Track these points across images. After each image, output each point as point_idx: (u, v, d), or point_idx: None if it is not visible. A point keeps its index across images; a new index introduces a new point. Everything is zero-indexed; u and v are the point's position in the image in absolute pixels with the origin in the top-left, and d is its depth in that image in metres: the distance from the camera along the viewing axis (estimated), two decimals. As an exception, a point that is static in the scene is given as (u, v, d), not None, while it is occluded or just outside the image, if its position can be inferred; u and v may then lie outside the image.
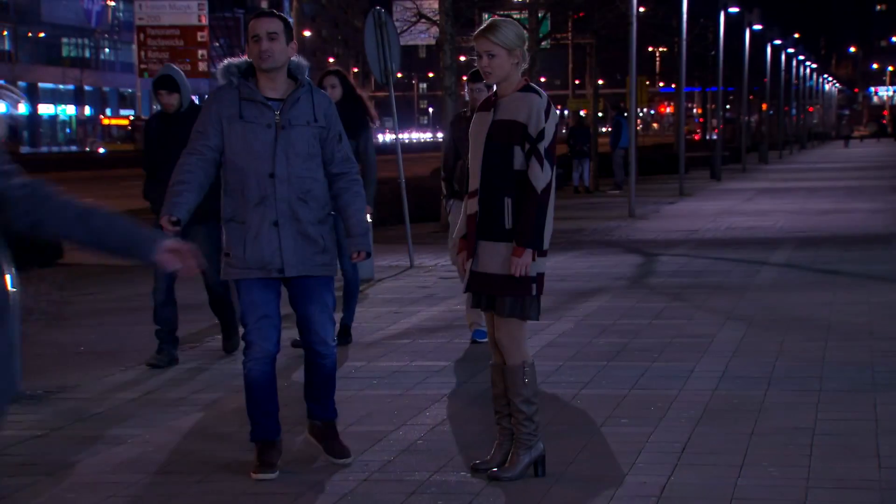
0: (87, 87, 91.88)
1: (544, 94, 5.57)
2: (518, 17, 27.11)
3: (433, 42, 21.13)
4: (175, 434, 6.61)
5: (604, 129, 47.07)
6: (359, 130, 8.77)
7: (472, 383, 7.70)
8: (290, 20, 5.88)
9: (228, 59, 5.91)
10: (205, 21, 22.10)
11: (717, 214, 22.02)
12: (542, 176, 5.42)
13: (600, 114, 38.41)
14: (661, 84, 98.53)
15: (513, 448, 5.62)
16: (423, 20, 20.98)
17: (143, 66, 22.43)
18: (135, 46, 21.19)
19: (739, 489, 5.40)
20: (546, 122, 5.45)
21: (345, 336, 9.05)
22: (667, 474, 5.63)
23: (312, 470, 5.85)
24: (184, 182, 5.69)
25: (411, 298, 11.66)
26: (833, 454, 5.91)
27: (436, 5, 20.69)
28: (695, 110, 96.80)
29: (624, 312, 10.43)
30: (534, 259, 5.45)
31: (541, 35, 26.10)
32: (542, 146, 5.43)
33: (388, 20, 14.58)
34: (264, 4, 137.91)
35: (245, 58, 5.81)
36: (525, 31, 5.89)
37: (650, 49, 57.53)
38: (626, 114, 30.24)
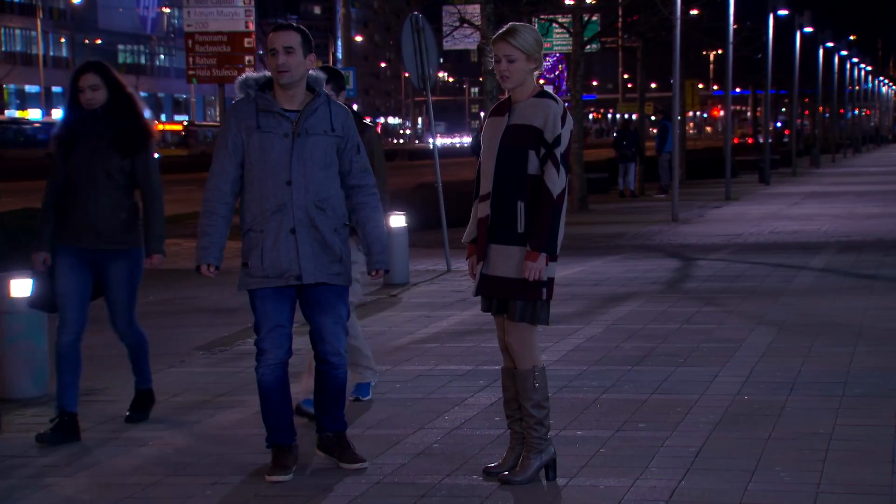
0: (142, 94, 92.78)
1: (560, 100, 5.61)
2: (562, 20, 27.09)
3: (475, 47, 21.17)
4: (195, 436, 6.70)
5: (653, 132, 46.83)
6: (136, 145, 6.76)
7: (495, 387, 7.72)
8: (308, 33, 5.94)
9: (246, 72, 5.99)
10: (252, 27, 22.06)
11: (762, 219, 21.88)
12: (558, 181, 5.46)
13: (653, 117, 38.21)
14: (716, 87, 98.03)
15: (523, 452, 5.64)
16: (464, 25, 21.01)
17: (191, 73, 22.38)
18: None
19: (749, 494, 5.39)
20: (562, 127, 5.49)
21: (145, 405, 7.15)
22: (678, 479, 5.64)
23: (326, 473, 5.90)
24: (211, 228, 5.79)
25: (444, 303, 11.71)
26: (847, 459, 5.88)
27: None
28: (748, 114, 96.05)
29: (654, 317, 10.41)
30: (546, 263, 5.47)
31: (585, 38, 25.99)
32: (559, 151, 5.47)
33: (425, 25, 14.64)
34: (317, 10, 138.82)
35: (265, 72, 5.89)
36: (542, 37, 5.93)
37: (704, 52, 57.21)
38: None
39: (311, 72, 5.89)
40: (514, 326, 5.59)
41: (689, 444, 6.22)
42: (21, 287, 7.75)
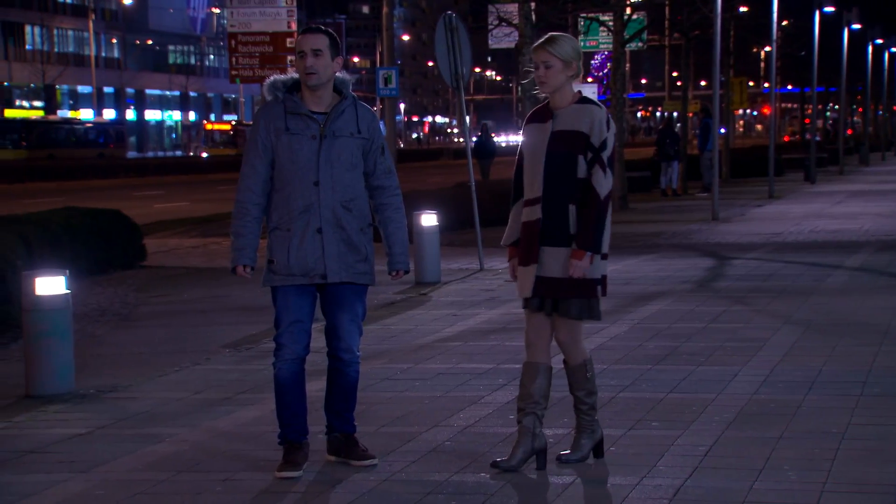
0: (191, 93, 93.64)
1: (603, 105, 5.83)
2: (604, 18, 27.02)
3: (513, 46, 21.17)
4: (212, 433, 6.78)
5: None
6: None
7: (513, 385, 7.74)
8: (336, 36, 6.00)
9: (275, 75, 6.07)
10: (294, 27, 22.24)
11: (804, 217, 21.72)
12: (605, 183, 5.69)
13: (688, 115, 37.99)
14: (766, 85, 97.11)
15: (576, 434, 5.95)
16: (503, 24, 21.02)
17: (234, 73, 22.58)
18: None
19: (753, 493, 5.39)
20: (608, 132, 5.71)
21: None
22: (684, 477, 5.65)
23: (336, 469, 5.96)
24: (245, 230, 5.88)
25: (473, 301, 11.74)
26: (856, 458, 5.87)
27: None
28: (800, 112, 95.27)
29: (681, 316, 10.39)
30: (592, 262, 5.67)
31: (626, 36, 25.90)
32: (605, 155, 5.70)
33: (458, 24, 14.67)
34: (365, 9, 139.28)
35: (294, 74, 5.97)
36: (579, 44, 6.07)
37: (755, 49, 56.79)
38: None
39: (338, 74, 5.96)
40: (569, 323, 5.80)
41: (700, 443, 6.22)
42: (48, 285, 7.88)
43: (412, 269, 13.10)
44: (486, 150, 34.13)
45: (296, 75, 5.92)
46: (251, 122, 11.38)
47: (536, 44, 5.83)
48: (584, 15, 26.86)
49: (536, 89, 6.42)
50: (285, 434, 6.00)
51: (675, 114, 34.72)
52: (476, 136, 40.93)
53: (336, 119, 5.87)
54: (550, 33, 5.92)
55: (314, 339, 6.07)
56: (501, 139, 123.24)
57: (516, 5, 20.15)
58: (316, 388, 6.58)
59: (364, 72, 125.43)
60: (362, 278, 5.94)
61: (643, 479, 5.64)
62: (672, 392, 7.45)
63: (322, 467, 6.00)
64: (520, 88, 19.45)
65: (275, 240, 5.90)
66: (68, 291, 7.98)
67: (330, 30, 5.97)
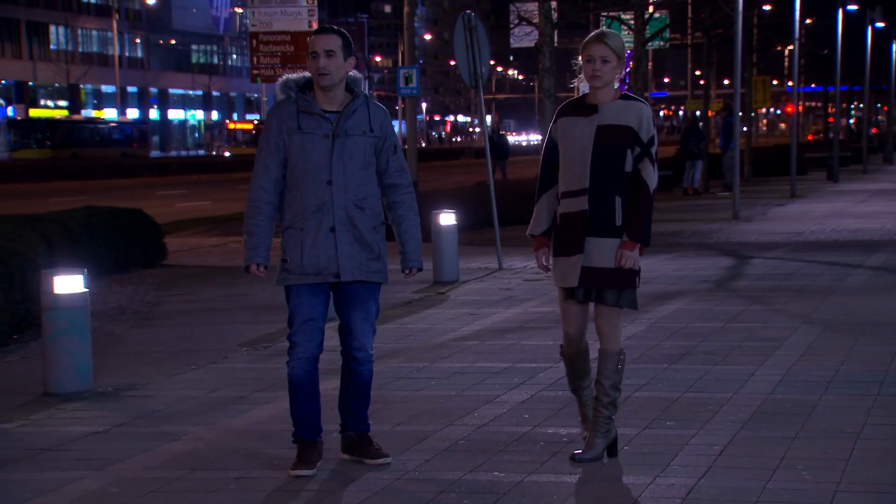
0: (214, 93, 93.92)
1: (647, 103, 6.00)
2: (625, 17, 26.97)
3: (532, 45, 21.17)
4: (227, 431, 6.80)
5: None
6: None
7: (529, 384, 7.76)
8: (349, 36, 6.02)
9: (278, 73, 6.09)
10: (315, 27, 22.33)
11: (825, 216, 21.63)
12: (654, 176, 5.88)
13: (709, 114, 37.86)
14: (790, 83, 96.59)
15: (591, 433, 5.96)
16: (523, 23, 21.02)
17: (255, 72, 22.66)
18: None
19: (766, 492, 5.38)
20: (653, 128, 5.91)
21: None
22: (698, 477, 5.64)
23: (349, 468, 5.98)
24: (258, 229, 5.90)
25: (491, 300, 11.74)
26: (871, 458, 5.85)
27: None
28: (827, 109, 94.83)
29: (699, 315, 10.37)
30: (641, 253, 5.84)
31: (647, 35, 25.85)
32: (654, 150, 5.87)
33: (477, 24, 14.67)
34: (387, 8, 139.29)
35: (306, 73, 5.98)
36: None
37: (779, 48, 56.57)
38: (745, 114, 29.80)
39: (350, 73, 5.97)
40: (612, 311, 5.95)
41: (714, 443, 6.21)
42: (66, 284, 7.92)
43: (430, 268, 13.18)
44: (498, 150, 34.04)
45: (308, 75, 5.93)
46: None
47: (592, 37, 5.92)
48: (605, 14, 26.80)
49: (572, 83, 6.49)
50: (299, 432, 6.02)
51: (697, 112, 34.57)
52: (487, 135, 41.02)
53: (348, 118, 5.89)
54: (602, 28, 6.04)
55: (329, 337, 6.09)
56: (521, 138, 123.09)
57: (536, 4, 20.14)
58: (331, 386, 6.60)
59: (386, 71, 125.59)
60: (375, 277, 5.96)
61: (656, 479, 5.63)
62: (688, 391, 7.43)
63: (336, 466, 6.01)
64: (544, 87, 19.41)
65: (288, 239, 5.92)
66: (86, 290, 8.02)
67: (342, 30, 5.99)
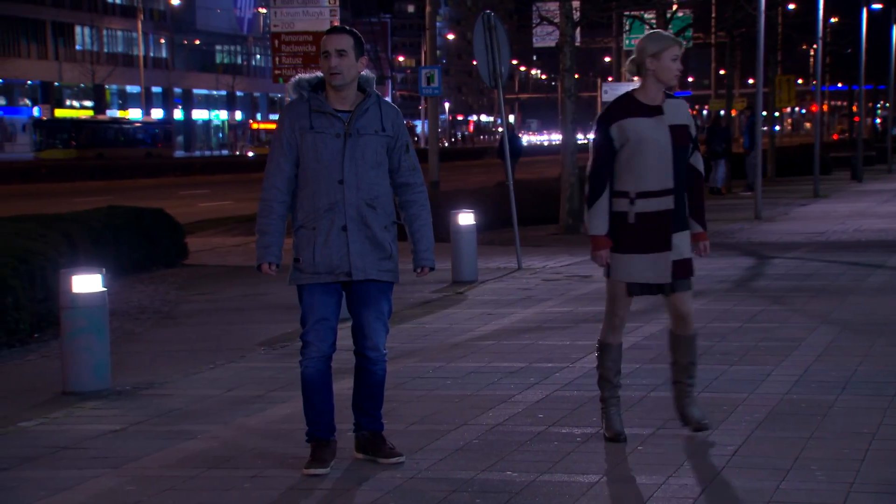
0: (238, 93, 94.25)
1: None
2: (647, 17, 26.92)
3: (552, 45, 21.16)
4: (242, 430, 6.84)
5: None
6: None
7: (544, 384, 7.77)
8: (361, 36, 6.04)
9: (299, 74, 6.12)
10: (345, 27, 22.46)
11: (848, 216, 21.54)
12: (701, 165, 6.33)
13: (730, 113, 37.69)
14: (815, 82, 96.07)
15: (686, 405, 6.37)
16: (544, 22, 21.00)
17: (277, 72, 22.74)
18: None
19: (779, 493, 5.37)
20: None
21: None
22: (711, 477, 5.64)
23: (362, 467, 6.00)
24: (270, 228, 5.94)
25: (509, 300, 11.75)
26: (886, 458, 5.83)
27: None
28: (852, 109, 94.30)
29: (717, 315, 10.35)
30: None
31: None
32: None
33: (497, 23, 14.68)
34: (410, 8, 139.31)
35: (319, 73, 6.01)
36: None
37: (804, 46, 56.28)
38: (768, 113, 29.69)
39: (362, 73, 5.99)
40: (689, 296, 6.36)
41: (728, 443, 6.20)
42: (84, 283, 7.97)
43: (449, 268, 13.20)
44: (510, 149, 33.97)
45: (321, 74, 5.96)
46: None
47: (672, 39, 6.21)
48: (627, 13, 26.75)
49: (633, 79, 6.63)
50: (313, 431, 6.04)
51: (721, 112, 34.47)
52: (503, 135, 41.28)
53: (360, 117, 5.91)
54: (658, 30, 6.34)
55: (343, 337, 6.11)
56: (543, 138, 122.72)
57: (557, 3, 20.12)
58: (345, 386, 6.62)
59: (409, 71, 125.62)
60: (387, 276, 5.97)
61: (669, 479, 5.63)
62: (703, 391, 7.41)
63: (349, 465, 6.03)
64: (564, 87, 19.39)
65: (300, 238, 5.95)
66: (104, 289, 8.07)
67: (354, 30, 6.02)
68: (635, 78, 6.27)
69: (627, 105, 6.11)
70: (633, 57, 6.26)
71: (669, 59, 6.06)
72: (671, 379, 6.49)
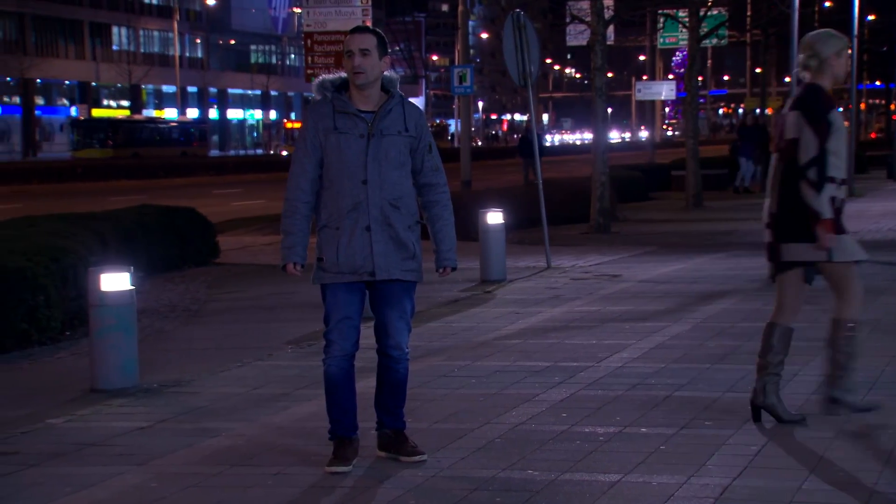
0: (272, 92, 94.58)
1: None
2: (681, 16, 26.82)
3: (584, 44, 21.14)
4: (267, 428, 6.87)
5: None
6: None
7: (569, 384, 7.76)
8: (384, 35, 6.06)
9: (323, 74, 6.15)
10: (369, 26, 22.51)
11: (883, 215, 21.38)
12: None
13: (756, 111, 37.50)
14: (848, 82, 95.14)
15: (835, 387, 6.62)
16: (575, 21, 20.98)
17: (309, 72, 22.85)
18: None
19: (801, 492, 5.35)
20: None
21: None
22: (732, 476, 5.62)
23: (384, 465, 6.02)
24: (294, 228, 5.97)
25: (536, 299, 11.74)
26: (910, 460, 5.79)
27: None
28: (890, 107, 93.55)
29: (746, 315, 10.30)
30: None
31: (702, 33, 25.67)
32: None
33: (527, 23, 14.67)
34: (444, 7, 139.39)
35: (342, 73, 6.03)
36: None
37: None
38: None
39: (385, 72, 6.01)
40: None
41: (752, 443, 6.18)
42: (113, 281, 8.04)
43: (478, 266, 13.20)
44: (530, 149, 33.99)
45: (345, 75, 5.98)
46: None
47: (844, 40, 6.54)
48: (660, 11, 26.67)
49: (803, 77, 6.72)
50: (335, 429, 6.07)
51: (756, 110, 34.27)
52: (518, 135, 41.44)
53: (384, 118, 5.93)
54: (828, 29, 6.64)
55: (366, 336, 6.13)
56: (576, 137, 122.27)
57: (589, 2, 20.09)
58: (368, 384, 6.63)
59: (443, 70, 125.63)
60: (410, 275, 5.99)
61: (691, 478, 5.61)
62: (728, 391, 7.40)
63: (371, 463, 6.06)
64: (595, 85, 19.36)
65: (324, 238, 5.98)
66: (132, 287, 8.14)
67: (378, 30, 6.03)
68: (807, 74, 6.45)
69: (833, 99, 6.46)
70: (810, 54, 6.45)
71: (847, 57, 6.44)
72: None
